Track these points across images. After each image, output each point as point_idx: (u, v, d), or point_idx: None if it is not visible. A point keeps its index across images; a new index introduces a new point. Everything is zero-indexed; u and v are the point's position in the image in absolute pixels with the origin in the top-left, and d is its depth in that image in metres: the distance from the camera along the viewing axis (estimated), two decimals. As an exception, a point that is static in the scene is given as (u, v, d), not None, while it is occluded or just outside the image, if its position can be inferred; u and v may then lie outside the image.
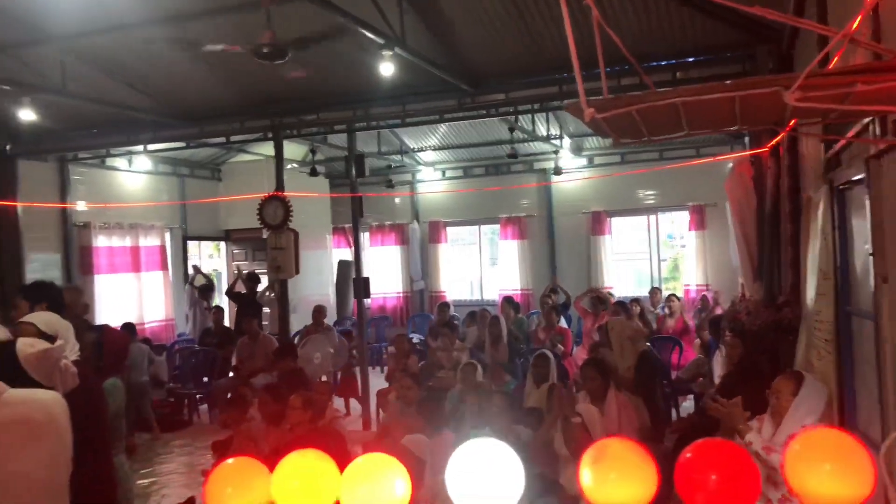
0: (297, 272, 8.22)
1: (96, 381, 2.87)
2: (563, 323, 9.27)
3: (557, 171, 11.70)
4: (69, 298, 4.10)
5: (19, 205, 9.27)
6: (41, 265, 9.64)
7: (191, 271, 11.71)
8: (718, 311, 9.19)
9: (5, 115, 8.39)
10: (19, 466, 1.87)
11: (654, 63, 6.89)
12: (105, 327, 3.63)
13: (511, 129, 10.45)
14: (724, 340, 6.16)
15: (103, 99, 7.67)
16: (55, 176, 9.99)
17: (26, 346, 2.27)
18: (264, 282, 10.27)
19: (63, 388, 2.26)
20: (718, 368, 6.53)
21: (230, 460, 1.31)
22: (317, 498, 1.20)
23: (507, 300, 10.09)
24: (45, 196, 9.74)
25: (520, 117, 9.88)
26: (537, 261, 12.69)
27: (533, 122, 10.44)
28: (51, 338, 2.56)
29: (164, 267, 11.37)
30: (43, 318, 2.86)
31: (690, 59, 6.86)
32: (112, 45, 6.83)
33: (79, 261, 10.20)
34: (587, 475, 1.05)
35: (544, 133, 10.85)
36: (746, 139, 8.26)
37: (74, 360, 2.58)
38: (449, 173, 13.51)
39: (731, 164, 8.16)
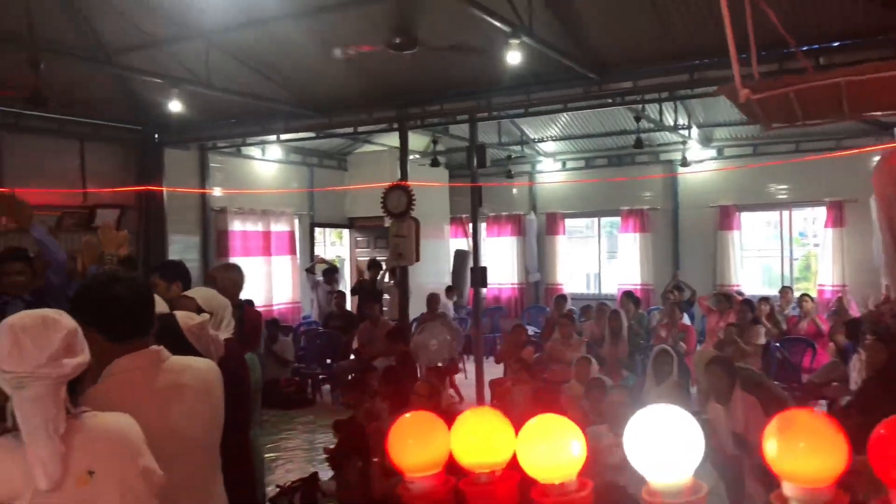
0: (418, 259, 8.39)
1: (241, 354, 3.06)
2: (686, 320, 8.98)
3: (684, 163, 11.28)
4: (227, 277, 4.40)
5: (165, 190, 9.98)
6: (182, 247, 10.33)
7: (314, 261, 12.16)
8: (854, 313, 8.62)
9: (155, 107, 9.04)
10: (184, 428, 2.02)
11: (796, 48, 6.50)
12: (245, 304, 3.85)
13: (637, 119, 10.17)
14: (865, 344, 5.80)
15: (242, 91, 8.09)
16: (196, 163, 10.65)
17: (187, 319, 2.46)
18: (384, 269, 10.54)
19: (215, 359, 2.42)
20: (856, 374, 6.15)
21: (409, 414, 1.38)
22: (493, 453, 1.24)
23: (628, 294, 9.87)
24: (186, 182, 10.43)
25: (646, 106, 9.59)
26: (659, 255, 12.31)
27: (660, 111, 10.10)
28: (206, 313, 2.76)
29: (292, 252, 11.90)
30: (202, 294, 3.07)
31: (835, 44, 6.42)
32: (252, 39, 7.20)
33: (215, 243, 10.85)
34: (772, 446, 1.03)
35: (671, 123, 10.49)
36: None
37: (226, 337, 2.76)
38: (569, 164, 13.33)
39: (877, 157, 7.59)
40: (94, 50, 7.52)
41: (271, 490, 5.42)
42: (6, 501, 1.55)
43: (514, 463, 1.25)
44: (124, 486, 1.68)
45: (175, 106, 7.66)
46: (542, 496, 1.20)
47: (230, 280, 4.41)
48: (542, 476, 1.21)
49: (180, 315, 2.48)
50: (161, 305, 2.55)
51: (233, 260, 10.82)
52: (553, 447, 1.20)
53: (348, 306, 10.88)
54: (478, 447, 1.27)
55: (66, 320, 1.66)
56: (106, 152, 9.65)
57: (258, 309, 6.54)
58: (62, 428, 1.58)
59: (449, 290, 12.15)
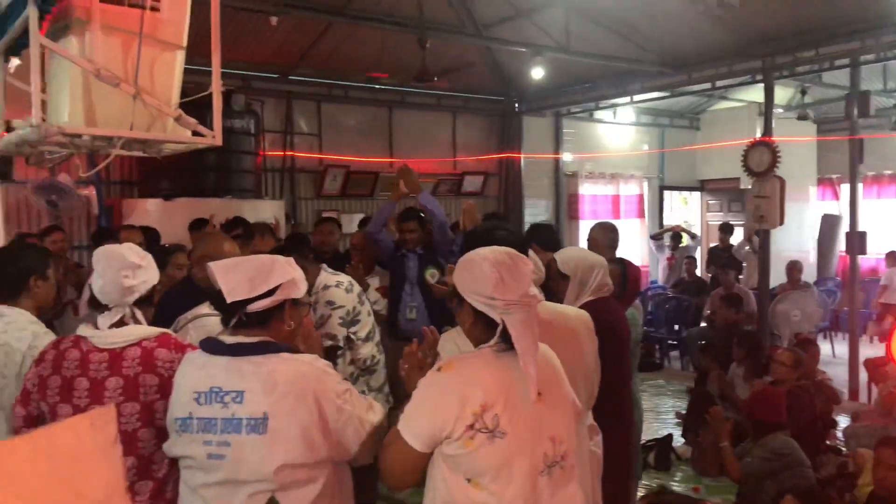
0: (782, 222, 7.77)
1: (620, 309, 3.22)
2: None
3: None
4: (606, 236, 4.65)
5: (523, 156, 10.62)
6: (536, 210, 10.94)
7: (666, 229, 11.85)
8: None
9: (517, 77, 9.62)
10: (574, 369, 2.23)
11: None
12: (627, 261, 3.99)
13: None
14: None
15: (599, 53, 8.21)
16: (551, 130, 11.10)
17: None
18: (738, 235, 9.96)
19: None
20: None
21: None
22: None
23: None
24: (542, 148, 10.96)
25: None
26: None
27: None
28: (565, 276, 3.01)
29: (640, 215, 11.85)
30: (573, 254, 3.30)
31: None
32: (612, 1, 7.24)
33: (567, 207, 11.27)
34: None
35: None
36: None
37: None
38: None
39: None
40: (466, 26, 8.24)
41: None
42: (486, 408, 1.78)
43: None
44: (561, 409, 1.91)
45: (537, 73, 8.06)
46: None
47: (608, 239, 4.61)
48: None
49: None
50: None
51: (584, 223, 11.17)
52: None
53: (698, 272, 10.50)
54: None
55: (524, 257, 1.93)
56: (473, 123, 10.54)
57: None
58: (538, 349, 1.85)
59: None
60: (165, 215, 6.37)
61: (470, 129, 10.47)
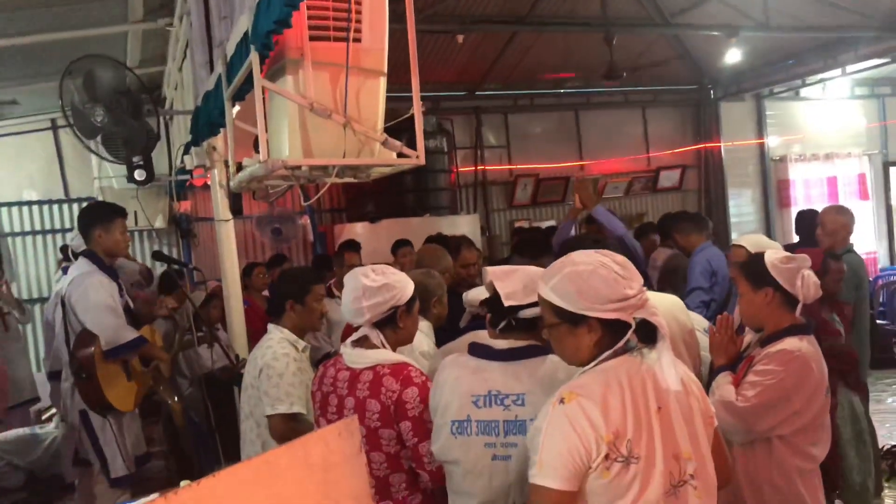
0: None
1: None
2: None
3: None
4: (836, 219, 4.32)
5: (723, 145, 10.01)
6: (741, 200, 10.27)
7: None
8: None
9: (709, 62, 9.11)
10: None
11: None
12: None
13: None
14: None
15: (804, 25, 7.55)
16: (752, 113, 10.37)
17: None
18: None
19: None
20: None
21: None
22: None
23: None
24: (743, 134, 10.28)
25: None
26: None
27: None
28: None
29: (864, 196, 10.68)
30: (750, 241, 3.17)
31: None
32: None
33: (776, 194, 10.44)
34: None
35: None
36: None
37: None
38: None
39: None
40: (653, 17, 7.94)
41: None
42: (619, 435, 1.65)
43: None
44: (684, 419, 1.73)
45: (733, 56, 7.60)
46: None
47: (839, 223, 4.24)
48: None
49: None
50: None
51: (795, 209, 10.28)
52: None
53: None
54: None
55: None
56: (665, 115, 10.13)
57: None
58: None
59: None
60: (373, 236, 6.75)
61: (662, 122, 10.09)
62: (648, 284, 2.45)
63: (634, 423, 1.63)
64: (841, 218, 4.34)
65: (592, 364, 1.71)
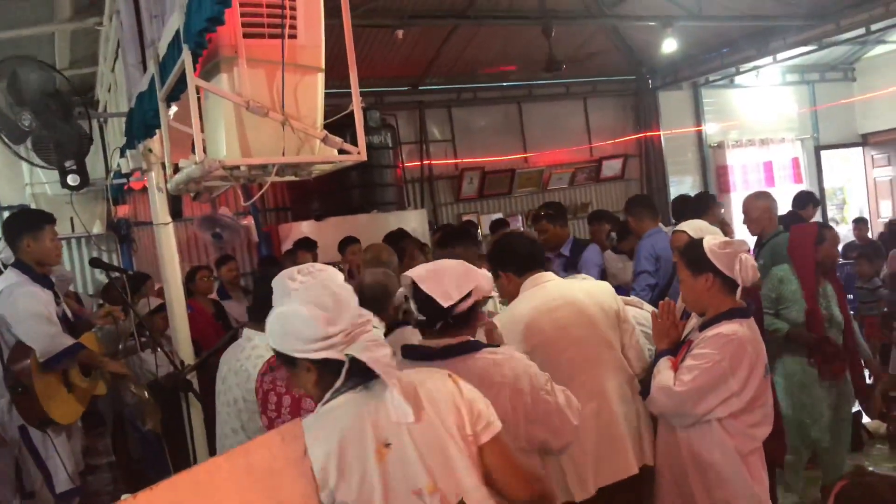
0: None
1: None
2: None
3: None
4: (756, 205, 4.39)
5: (662, 133, 10.22)
6: (681, 187, 10.47)
7: None
8: None
9: (647, 52, 9.27)
10: None
11: None
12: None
13: None
14: None
15: (735, 14, 7.74)
16: (689, 102, 10.62)
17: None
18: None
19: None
20: None
21: None
22: None
23: None
24: (681, 122, 10.50)
25: None
26: None
27: None
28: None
29: (798, 180, 11.04)
30: (692, 226, 3.21)
31: None
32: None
33: (716, 180, 10.71)
34: None
35: None
36: None
37: None
38: None
39: None
40: (590, 9, 8.03)
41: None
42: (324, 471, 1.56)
43: None
44: (432, 448, 1.70)
45: (669, 46, 7.73)
46: None
47: (760, 208, 4.33)
48: None
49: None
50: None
51: (734, 195, 10.56)
52: None
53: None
54: None
55: None
56: (606, 106, 10.27)
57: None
58: None
59: None
60: (319, 235, 6.67)
61: (603, 112, 10.22)
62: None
63: (338, 471, 1.51)
64: (761, 203, 4.41)
65: (320, 405, 1.61)
